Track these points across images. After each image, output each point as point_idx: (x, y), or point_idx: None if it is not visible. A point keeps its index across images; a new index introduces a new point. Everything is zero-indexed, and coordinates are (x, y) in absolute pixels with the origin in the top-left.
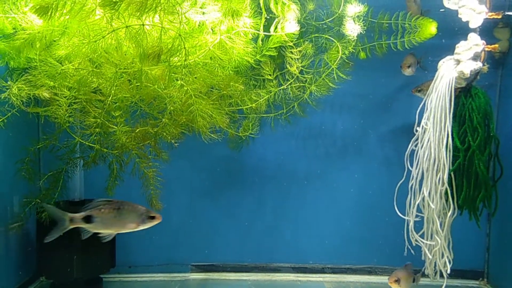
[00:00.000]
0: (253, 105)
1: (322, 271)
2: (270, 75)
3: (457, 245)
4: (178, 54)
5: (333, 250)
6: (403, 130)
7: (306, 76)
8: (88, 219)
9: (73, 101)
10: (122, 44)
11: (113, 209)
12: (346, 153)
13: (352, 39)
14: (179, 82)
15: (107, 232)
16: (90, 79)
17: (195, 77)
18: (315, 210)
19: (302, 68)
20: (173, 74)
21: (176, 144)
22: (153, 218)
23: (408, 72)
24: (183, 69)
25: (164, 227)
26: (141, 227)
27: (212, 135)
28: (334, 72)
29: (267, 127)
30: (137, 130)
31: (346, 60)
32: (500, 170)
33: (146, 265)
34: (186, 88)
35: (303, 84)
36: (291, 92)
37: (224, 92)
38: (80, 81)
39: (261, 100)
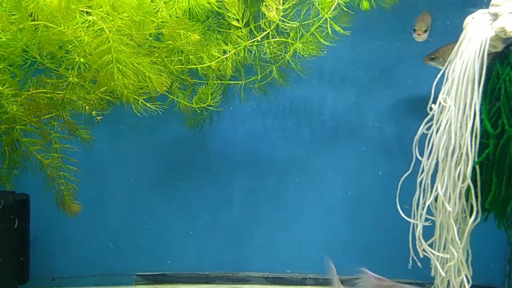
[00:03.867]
0: (213, 63)
1: (302, 282)
2: (238, 20)
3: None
4: None
5: (317, 257)
6: (412, 107)
7: (289, 25)
8: None
9: None
10: None
11: None
12: (337, 136)
13: None
14: (91, 18)
15: None
16: None
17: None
18: (295, 207)
19: (284, 19)
20: (76, 6)
21: (98, 118)
22: None
23: (423, 38)
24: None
25: (100, 228)
26: None
27: (148, 104)
28: (328, 24)
29: (237, 100)
30: (31, 93)
31: (345, 9)
32: None
33: (76, 277)
34: (100, 28)
35: (285, 40)
36: (268, 50)
37: (170, 43)
38: None
39: (224, 56)
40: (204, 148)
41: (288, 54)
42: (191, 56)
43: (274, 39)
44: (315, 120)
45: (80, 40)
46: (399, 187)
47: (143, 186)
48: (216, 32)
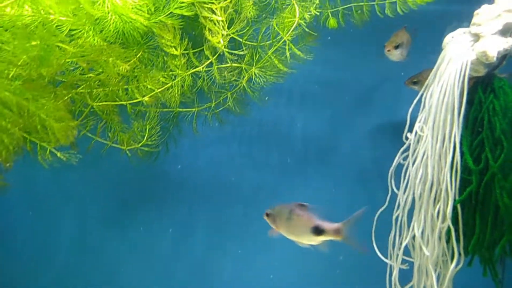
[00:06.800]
0: (146, 98)
1: None
2: (175, 48)
3: None
4: None
5: None
6: (388, 133)
7: (236, 52)
8: None
9: None
10: None
11: None
12: (307, 164)
13: None
14: None
15: None
16: None
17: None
18: (264, 239)
19: (239, 38)
20: None
21: (7, 165)
22: None
23: (395, 55)
24: None
25: (46, 266)
26: None
27: (58, 154)
28: (287, 47)
29: (197, 124)
30: None
31: (307, 30)
32: None
33: None
34: None
35: (238, 65)
36: (217, 77)
37: (91, 76)
38: None
39: (158, 90)
40: (162, 177)
41: (244, 80)
42: (121, 88)
43: (221, 66)
44: (284, 145)
45: None
46: (375, 220)
47: (92, 221)
48: (163, 56)
